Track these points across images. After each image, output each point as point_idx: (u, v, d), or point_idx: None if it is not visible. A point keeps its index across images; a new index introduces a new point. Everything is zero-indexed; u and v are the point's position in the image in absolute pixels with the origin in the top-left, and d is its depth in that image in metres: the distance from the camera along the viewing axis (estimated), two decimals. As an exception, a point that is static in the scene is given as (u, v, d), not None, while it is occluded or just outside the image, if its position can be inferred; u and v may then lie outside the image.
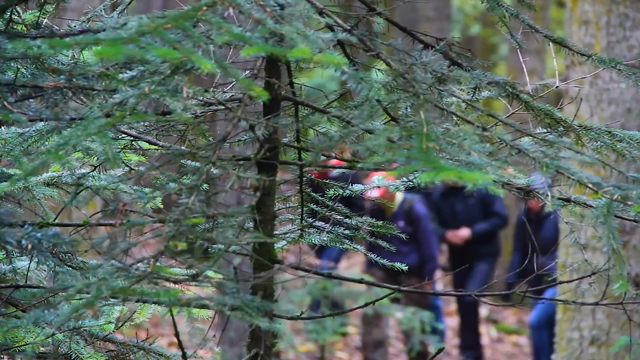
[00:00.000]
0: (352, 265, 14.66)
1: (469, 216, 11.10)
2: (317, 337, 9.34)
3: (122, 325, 2.80)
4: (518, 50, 3.06)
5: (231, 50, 2.69)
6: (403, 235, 3.53)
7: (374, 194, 12.28)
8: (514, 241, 11.02)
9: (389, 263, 3.41)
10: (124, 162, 3.12)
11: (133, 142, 3.10)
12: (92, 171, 2.97)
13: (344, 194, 3.33)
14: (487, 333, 13.08)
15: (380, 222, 3.40)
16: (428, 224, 10.59)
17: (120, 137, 3.04)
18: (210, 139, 3.06)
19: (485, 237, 11.16)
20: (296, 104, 2.99)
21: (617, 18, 7.30)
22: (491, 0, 2.92)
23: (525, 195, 3.03)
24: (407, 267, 3.40)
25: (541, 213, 10.37)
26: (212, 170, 2.59)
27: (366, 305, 3.14)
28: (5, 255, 2.90)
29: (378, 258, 3.41)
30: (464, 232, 11.05)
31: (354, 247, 3.35)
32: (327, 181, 3.33)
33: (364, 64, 2.95)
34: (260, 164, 2.80)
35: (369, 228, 3.38)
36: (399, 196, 10.35)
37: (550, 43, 3.08)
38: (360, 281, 3.16)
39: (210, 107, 2.93)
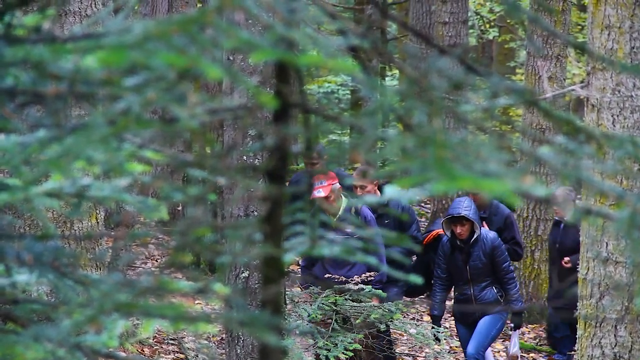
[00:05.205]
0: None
1: None
2: (327, 354, 9.23)
3: (125, 341, 2.73)
4: (535, 55, 2.97)
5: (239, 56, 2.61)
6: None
7: (320, 194, 11.81)
8: (435, 264, 10.37)
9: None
10: (128, 172, 3.04)
11: (137, 151, 3.02)
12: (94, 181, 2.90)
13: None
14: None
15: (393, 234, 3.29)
16: (377, 229, 9.69)
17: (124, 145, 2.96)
18: (218, 147, 2.98)
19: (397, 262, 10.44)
20: (307, 112, 2.91)
21: (641, 22, 7.16)
22: (510, 4, 2.83)
23: (545, 205, 2.94)
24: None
25: (469, 241, 9.89)
26: (219, 180, 2.51)
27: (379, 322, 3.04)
28: (4, 269, 2.82)
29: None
30: None
31: (365, 260, 3.26)
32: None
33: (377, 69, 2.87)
34: (269, 174, 2.71)
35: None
36: (343, 200, 9.68)
37: (571, 48, 2.99)
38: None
39: (218, 115, 2.85)
